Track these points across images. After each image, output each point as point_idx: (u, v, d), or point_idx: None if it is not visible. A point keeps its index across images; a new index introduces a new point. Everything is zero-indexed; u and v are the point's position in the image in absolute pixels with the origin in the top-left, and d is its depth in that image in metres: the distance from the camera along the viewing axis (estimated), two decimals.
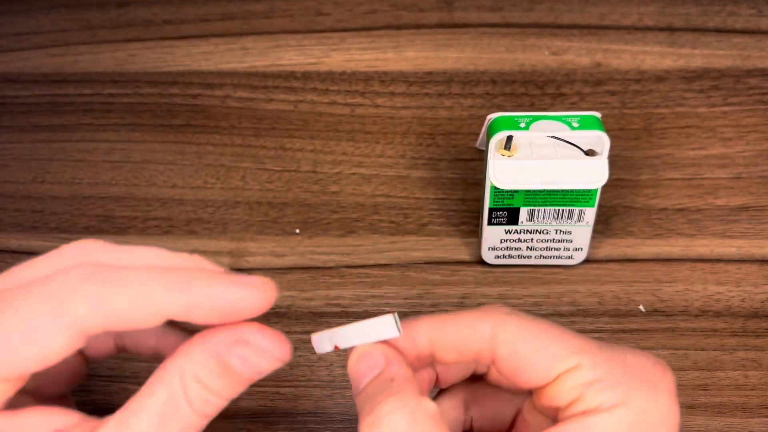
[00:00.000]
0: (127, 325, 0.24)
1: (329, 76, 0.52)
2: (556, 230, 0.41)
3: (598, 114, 0.39)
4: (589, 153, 0.38)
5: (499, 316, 0.27)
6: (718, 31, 0.53)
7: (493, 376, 0.28)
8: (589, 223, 0.40)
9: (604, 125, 0.38)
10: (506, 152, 0.39)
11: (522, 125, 0.38)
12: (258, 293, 0.25)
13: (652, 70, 0.51)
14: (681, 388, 0.38)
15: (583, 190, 0.39)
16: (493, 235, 0.41)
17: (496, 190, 0.39)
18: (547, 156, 0.39)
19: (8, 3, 0.58)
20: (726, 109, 0.49)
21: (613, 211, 0.45)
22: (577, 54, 0.52)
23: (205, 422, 0.25)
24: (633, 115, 0.49)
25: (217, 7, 0.56)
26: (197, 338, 0.25)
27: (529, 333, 0.26)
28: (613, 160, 0.39)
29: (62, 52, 0.54)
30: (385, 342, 0.27)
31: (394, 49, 0.53)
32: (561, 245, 0.41)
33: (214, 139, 0.49)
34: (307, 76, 0.52)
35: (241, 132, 0.50)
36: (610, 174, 0.38)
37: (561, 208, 0.40)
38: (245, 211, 0.46)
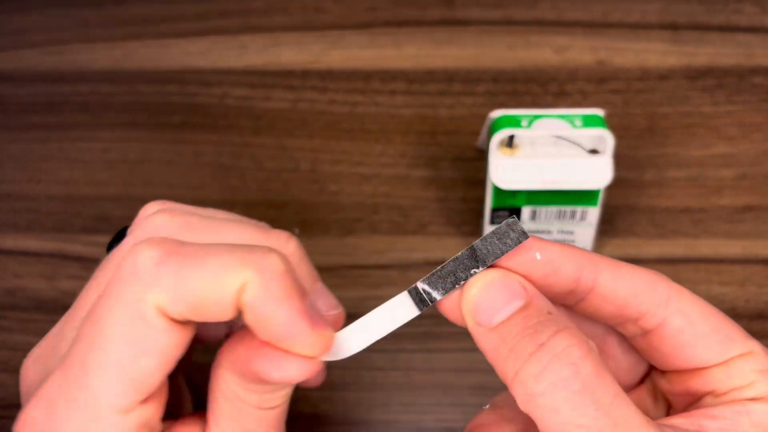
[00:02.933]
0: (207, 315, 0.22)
1: (328, 74, 0.52)
2: (559, 230, 0.40)
3: (601, 112, 0.38)
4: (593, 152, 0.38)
5: (672, 284, 0.24)
6: (722, 29, 0.53)
7: (637, 343, 0.25)
8: (592, 224, 0.40)
9: (607, 124, 0.38)
10: (508, 151, 0.38)
11: (524, 124, 0.38)
12: (316, 346, 0.21)
13: (656, 69, 0.51)
14: None
15: (587, 190, 0.38)
16: None
17: (497, 190, 0.39)
18: (549, 155, 0.38)
19: (4, 1, 0.57)
20: (730, 108, 0.49)
21: (617, 211, 0.44)
22: (579, 52, 0.52)
23: (279, 410, 0.24)
24: (636, 114, 0.48)
25: (214, 4, 0.56)
26: (227, 348, 0.23)
27: (706, 310, 0.24)
28: (617, 160, 0.39)
29: (59, 50, 0.54)
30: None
31: (395, 46, 0.53)
32: None
33: (212, 138, 0.49)
34: (306, 74, 0.52)
35: (239, 131, 0.49)
36: (614, 173, 0.38)
37: (564, 207, 0.39)
38: (243, 211, 0.45)
